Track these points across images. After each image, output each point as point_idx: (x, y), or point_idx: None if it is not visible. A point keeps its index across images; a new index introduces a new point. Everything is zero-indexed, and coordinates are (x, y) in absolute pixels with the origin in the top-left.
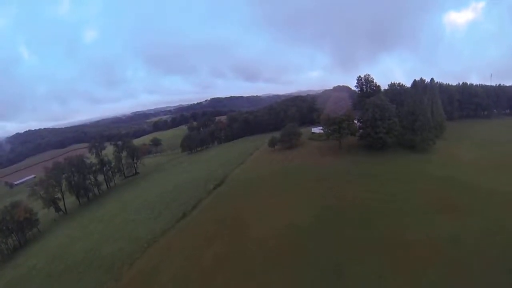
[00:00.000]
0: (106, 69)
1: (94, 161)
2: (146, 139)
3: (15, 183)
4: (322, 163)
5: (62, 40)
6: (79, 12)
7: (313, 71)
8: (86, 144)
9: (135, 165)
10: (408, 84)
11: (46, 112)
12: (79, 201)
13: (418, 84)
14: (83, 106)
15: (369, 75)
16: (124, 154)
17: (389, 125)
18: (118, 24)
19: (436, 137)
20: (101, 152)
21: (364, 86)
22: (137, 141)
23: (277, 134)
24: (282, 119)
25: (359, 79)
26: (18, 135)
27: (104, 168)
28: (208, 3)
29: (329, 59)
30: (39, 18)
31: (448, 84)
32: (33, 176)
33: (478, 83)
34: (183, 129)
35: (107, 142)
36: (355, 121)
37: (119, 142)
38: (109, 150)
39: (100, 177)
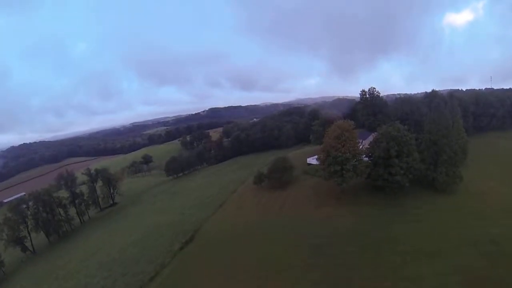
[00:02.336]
0: (99, 82)
1: (65, 194)
2: (138, 154)
3: (5, 201)
4: (317, 217)
5: (52, 53)
6: (69, 24)
7: (310, 78)
8: (80, 158)
9: (112, 195)
10: (409, 90)
11: (43, 124)
12: (49, 239)
13: (435, 99)
14: (79, 118)
15: (374, 88)
16: (99, 183)
17: (408, 163)
18: (109, 37)
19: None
20: (70, 183)
21: (368, 99)
22: (130, 156)
23: (272, 154)
24: (276, 138)
25: (362, 93)
26: (12, 149)
27: (77, 201)
28: (199, 12)
29: (326, 65)
30: (29, 30)
31: (458, 90)
32: (23, 193)
33: (484, 88)
34: (176, 144)
35: (80, 173)
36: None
37: (93, 172)
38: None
39: (73, 210)
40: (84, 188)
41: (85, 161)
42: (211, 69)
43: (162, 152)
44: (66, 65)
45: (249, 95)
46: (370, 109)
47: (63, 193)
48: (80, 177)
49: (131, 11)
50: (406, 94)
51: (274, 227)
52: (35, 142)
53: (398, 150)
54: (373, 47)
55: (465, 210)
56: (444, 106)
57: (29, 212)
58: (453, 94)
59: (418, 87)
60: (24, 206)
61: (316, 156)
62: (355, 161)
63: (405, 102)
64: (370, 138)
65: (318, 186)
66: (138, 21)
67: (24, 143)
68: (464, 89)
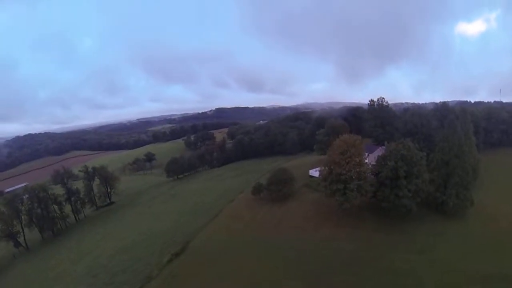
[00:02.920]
0: (106, 77)
1: (60, 191)
2: (142, 151)
3: (6, 190)
4: (315, 238)
5: (59, 47)
6: (76, 19)
7: (318, 83)
8: (84, 152)
9: (109, 194)
10: (417, 100)
11: (49, 116)
12: (42, 236)
13: (446, 112)
14: (86, 112)
15: (383, 98)
16: (97, 181)
17: (417, 185)
18: (115, 33)
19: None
20: (67, 180)
21: (376, 110)
22: (134, 152)
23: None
24: (281, 143)
25: (371, 103)
26: (17, 139)
27: (72, 198)
28: (205, 10)
29: (334, 70)
30: (37, 23)
31: (466, 102)
32: (24, 184)
33: (492, 100)
34: (180, 143)
35: (77, 170)
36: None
37: (90, 170)
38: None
39: (68, 208)
40: (81, 185)
41: (88, 155)
42: (218, 68)
43: (165, 150)
44: (73, 59)
45: (257, 97)
46: (378, 120)
47: (60, 190)
48: (79, 172)
49: (137, 8)
50: (414, 103)
51: (268, 247)
52: (40, 133)
53: (407, 171)
54: (382, 53)
55: (476, 238)
56: (456, 121)
57: (23, 208)
58: (465, 109)
59: (426, 96)
60: (19, 201)
61: (319, 169)
62: (360, 180)
63: (414, 115)
64: (377, 152)
65: (318, 202)
66: (145, 18)
67: (29, 134)
68: (472, 101)
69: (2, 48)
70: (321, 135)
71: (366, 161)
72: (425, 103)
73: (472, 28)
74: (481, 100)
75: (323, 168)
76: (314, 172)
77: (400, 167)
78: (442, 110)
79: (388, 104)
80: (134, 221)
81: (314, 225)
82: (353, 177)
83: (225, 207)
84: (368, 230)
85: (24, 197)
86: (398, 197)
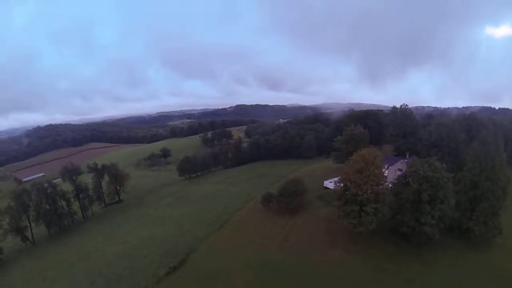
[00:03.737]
0: (126, 70)
1: (69, 187)
2: (159, 145)
3: (24, 179)
4: (324, 262)
5: (80, 39)
6: (97, 12)
7: (338, 84)
8: (102, 144)
9: (118, 192)
10: (439, 104)
11: (70, 107)
12: (49, 231)
13: (473, 122)
14: (106, 104)
15: (406, 106)
16: (106, 179)
17: (442, 210)
18: (136, 26)
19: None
20: (76, 177)
21: (399, 118)
22: (151, 147)
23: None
24: (297, 146)
25: (393, 109)
26: (38, 129)
27: (81, 195)
28: (226, 7)
29: (355, 72)
30: (59, 16)
31: (490, 108)
32: (42, 174)
33: None
34: (197, 139)
35: (86, 167)
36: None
37: (99, 167)
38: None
39: (76, 204)
40: (90, 182)
41: (106, 147)
42: (237, 65)
43: (182, 146)
44: (94, 51)
45: (277, 95)
46: (400, 129)
47: (68, 186)
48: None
49: (158, 2)
50: (435, 107)
51: (271, 267)
52: (60, 124)
53: (432, 195)
54: (405, 56)
55: (504, 274)
56: (489, 137)
57: (31, 203)
58: (495, 121)
59: (448, 101)
60: (27, 196)
61: (334, 180)
62: (378, 203)
63: (440, 126)
64: (398, 164)
65: (330, 219)
66: (166, 12)
67: (50, 124)
68: (496, 108)
69: (25, 39)
70: (339, 142)
71: (385, 173)
72: (448, 108)
73: (499, 32)
74: (506, 107)
75: (337, 185)
76: (329, 184)
77: (424, 190)
78: (469, 120)
79: (412, 111)
80: (138, 224)
81: (322, 246)
82: (371, 199)
83: (232, 216)
84: (382, 257)
85: (32, 192)
86: (419, 223)
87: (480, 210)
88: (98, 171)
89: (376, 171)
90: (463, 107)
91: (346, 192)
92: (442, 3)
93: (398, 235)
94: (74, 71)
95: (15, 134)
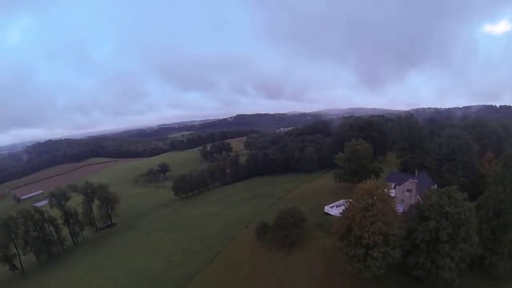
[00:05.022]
0: (124, 83)
1: (57, 213)
2: (157, 160)
3: (22, 197)
4: None
5: (75, 54)
6: (90, 27)
7: (338, 89)
8: (101, 159)
9: (109, 216)
10: (439, 105)
11: (70, 122)
12: (38, 260)
13: (485, 130)
14: (106, 118)
15: (412, 115)
16: (97, 203)
17: (464, 250)
18: (132, 40)
19: None
20: (64, 202)
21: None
22: (150, 161)
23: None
24: (297, 160)
25: (398, 121)
26: (38, 145)
27: (70, 221)
28: (220, 18)
29: (354, 76)
30: (53, 32)
31: (491, 106)
32: (40, 192)
33: None
34: (196, 153)
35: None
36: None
37: (89, 191)
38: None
39: (66, 230)
40: (79, 206)
41: (105, 162)
42: (235, 75)
43: (181, 160)
44: (90, 66)
45: (277, 104)
46: (406, 141)
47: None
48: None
49: (152, 16)
50: (436, 108)
51: None
52: (60, 139)
53: (452, 232)
54: (404, 58)
55: None
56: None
57: (18, 231)
58: (505, 125)
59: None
60: (14, 224)
61: (336, 204)
62: (388, 245)
63: (451, 138)
64: (407, 184)
65: (331, 256)
66: (161, 26)
67: (49, 140)
68: (497, 106)
69: (20, 56)
70: (340, 160)
71: (392, 193)
72: (449, 108)
73: (498, 28)
74: (507, 105)
75: (339, 222)
76: (330, 210)
77: (443, 228)
78: (480, 128)
79: (418, 121)
80: (126, 255)
81: None
82: (379, 242)
83: (224, 248)
84: None
85: (19, 219)
86: (436, 265)
87: (505, 242)
88: (88, 195)
89: (385, 208)
90: (464, 107)
91: (350, 231)
92: (439, 1)
93: (410, 277)
94: (72, 86)
95: (16, 150)
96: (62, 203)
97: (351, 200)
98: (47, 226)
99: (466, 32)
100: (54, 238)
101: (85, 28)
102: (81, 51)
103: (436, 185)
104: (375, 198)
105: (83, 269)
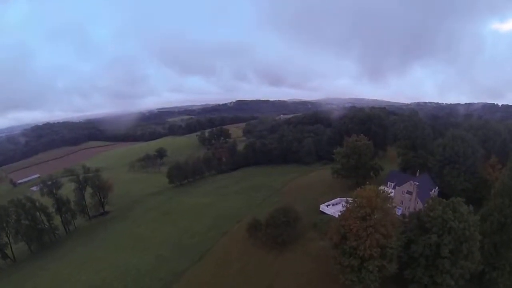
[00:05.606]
0: (124, 67)
1: (49, 201)
2: (155, 145)
3: (19, 181)
4: None
5: (74, 37)
6: (91, 10)
7: (340, 79)
8: (99, 143)
9: (102, 204)
10: (441, 100)
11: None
12: (30, 249)
13: (489, 133)
14: (106, 101)
15: (416, 113)
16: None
17: (464, 268)
18: (132, 23)
19: None
20: (56, 190)
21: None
22: (147, 145)
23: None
24: (295, 151)
25: (401, 118)
26: (35, 128)
27: (63, 209)
28: (226, 5)
29: (357, 67)
30: (52, 13)
31: (494, 105)
32: (37, 175)
33: None
34: (194, 138)
35: (66, 177)
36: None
37: (81, 178)
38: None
39: (58, 219)
40: (71, 194)
41: (102, 146)
42: (237, 61)
43: (179, 145)
44: (90, 49)
45: (278, 91)
46: (408, 140)
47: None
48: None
49: (151, 1)
50: (437, 103)
51: None
52: (58, 122)
53: (454, 248)
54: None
55: None
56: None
57: (9, 219)
58: (510, 127)
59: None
60: (5, 212)
61: (332, 202)
62: (385, 259)
63: (456, 139)
64: (407, 186)
65: (324, 258)
66: (162, 10)
67: (47, 123)
68: (499, 104)
69: (18, 38)
70: (339, 155)
71: (391, 193)
72: (451, 104)
73: (505, 27)
74: (509, 104)
75: (333, 230)
76: (326, 208)
77: (445, 244)
78: (485, 130)
79: (421, 119)
80: (117, 248)
81: None
82: (375, 255)
83: (215, 244)
84: None
85: (10, 208)
86: (434, 282)
87: (507, 257)
88: (81, 183)
89: (384, 219)
90: (466, 103)
91: (345, 240)
92: None
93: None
94: (71, 69)
95: (14, 133)
96: (54, 191)
97: (348, 205)
98: (38, 214)
99: (475, 28)
100: (46, 226)
101: (85, 10)
102: (80, 33)
103: (437, 188)
104: (375, 207)
105: (73, 262)
